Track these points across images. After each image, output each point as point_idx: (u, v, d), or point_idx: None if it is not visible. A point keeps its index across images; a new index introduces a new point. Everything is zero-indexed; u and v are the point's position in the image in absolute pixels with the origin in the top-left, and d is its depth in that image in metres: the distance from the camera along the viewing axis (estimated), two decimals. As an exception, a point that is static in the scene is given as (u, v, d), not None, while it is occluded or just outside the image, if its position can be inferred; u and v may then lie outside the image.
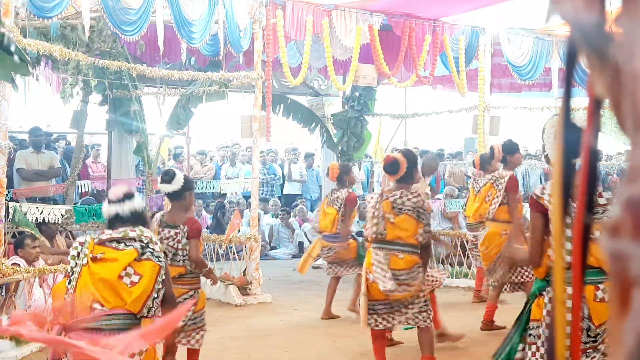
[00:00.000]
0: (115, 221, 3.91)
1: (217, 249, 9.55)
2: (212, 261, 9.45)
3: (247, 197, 13.80)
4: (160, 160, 11.21)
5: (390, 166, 5.59)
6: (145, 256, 3.72)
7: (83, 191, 11.60)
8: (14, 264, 6.88)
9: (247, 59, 9.99)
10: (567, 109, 1.04)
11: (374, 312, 5.64)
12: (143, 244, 3.76)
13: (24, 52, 6.45)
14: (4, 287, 6.86)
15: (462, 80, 11.03)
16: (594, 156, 0.97)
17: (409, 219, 5.49)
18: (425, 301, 5.65)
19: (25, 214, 7.88)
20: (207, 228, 12.71)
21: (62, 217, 8.74)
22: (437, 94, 13.87)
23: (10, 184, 8.90)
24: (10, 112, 6.79)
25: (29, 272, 6.77)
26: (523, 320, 4.06)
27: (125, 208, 3.90)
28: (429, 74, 11.06)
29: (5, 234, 6.97)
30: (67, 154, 11.75)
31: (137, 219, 3.91)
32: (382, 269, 5.50)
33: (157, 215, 5.46)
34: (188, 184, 5.34)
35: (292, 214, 14.33)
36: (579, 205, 0.97)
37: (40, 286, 7.03)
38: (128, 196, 3.93)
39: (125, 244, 3.74)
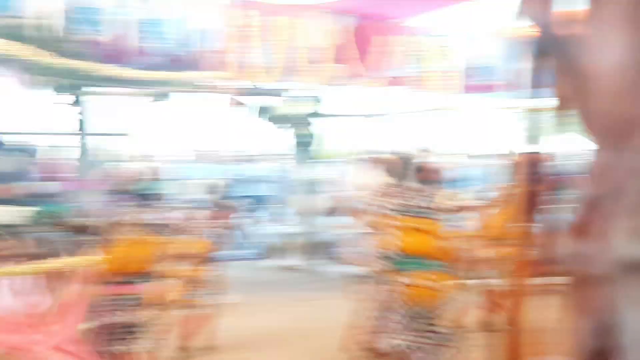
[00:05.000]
0: None
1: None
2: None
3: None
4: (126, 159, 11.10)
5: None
6: None
7: (49, 192, 11.43)
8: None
9: (218, 59, 9.93)
10: (533, 110, 1.06)
11: None
12: None
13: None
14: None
15: (433, 80, 11.08)
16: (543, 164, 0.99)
17: None
18: None
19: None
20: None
21: (28, 219, 8.62)
22: (409, 94, 13.89)
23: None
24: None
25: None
26: None
27: None
28: (400, 74, 11.09)
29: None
30: (32, 154, 11.56)
31: None
32: None
33: None
34: None
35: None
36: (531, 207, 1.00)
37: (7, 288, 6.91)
38: None
39: None
